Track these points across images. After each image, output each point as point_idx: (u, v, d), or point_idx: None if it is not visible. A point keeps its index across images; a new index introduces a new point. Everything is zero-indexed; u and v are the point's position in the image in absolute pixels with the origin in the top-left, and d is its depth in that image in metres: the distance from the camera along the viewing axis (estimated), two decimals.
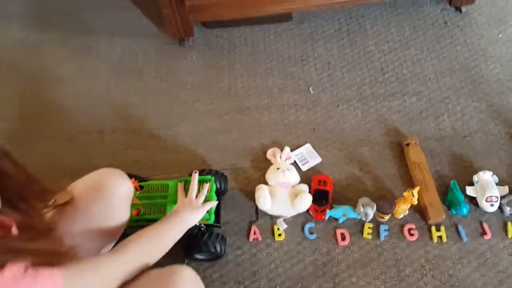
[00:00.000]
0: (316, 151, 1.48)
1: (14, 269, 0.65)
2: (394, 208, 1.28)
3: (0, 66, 1.78)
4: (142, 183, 1.29)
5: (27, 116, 1.65)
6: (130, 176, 1.39)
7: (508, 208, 1.30)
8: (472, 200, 1.34)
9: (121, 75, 1.71)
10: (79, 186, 1.02)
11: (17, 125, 1.63)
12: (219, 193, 1.37)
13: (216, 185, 1.32)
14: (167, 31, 1.70)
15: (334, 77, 1.63)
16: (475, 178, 1.35)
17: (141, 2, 1.90)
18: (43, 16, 1.92)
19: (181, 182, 1.24)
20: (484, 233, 1.29)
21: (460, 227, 1.31)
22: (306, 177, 1.43)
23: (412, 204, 1.28)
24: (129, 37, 1.79)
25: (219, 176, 1.37)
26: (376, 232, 1.32)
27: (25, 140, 1.59)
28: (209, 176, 1.29)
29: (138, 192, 1.26)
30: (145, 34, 1.80)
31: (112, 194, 1.02)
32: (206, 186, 1.22)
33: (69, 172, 1.47)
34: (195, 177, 1.21)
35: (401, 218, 1.33)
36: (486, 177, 1.34)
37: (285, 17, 1.75)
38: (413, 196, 1.25)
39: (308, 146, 1.49)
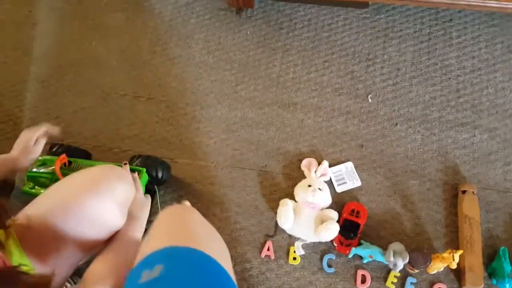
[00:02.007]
0: (357, 173, 1.31)
1: None
2: (428, 265, 1.12)
3: (44, 5, 1.69)
4: (72, 159, 1.25)
5: (67, 65, 1.57)
6: (72, 149, 1.36)
7: None
8: None
9: (169, 39, 1.57)
10: (74, 182, 0.92)
11: (55, 72, 1.56)
12: (158, 183, 1.30)
13: (153, 174, 1.26)
14: None
15: (400, 88, 1.41)
16: None
17: None
18: None
19: None
20: None
21: None
22: (339, 200, 1.28)
23: (449, 266, 1.12)
24: None
25: (158, 163, 1.28)
26: (401, 282, 1.18)
27: (61, 91, 1.53)
28: (140, 168, 1.22)
29: (65, 167, 1.23)
30: None
31: (106, 195, 0.92)
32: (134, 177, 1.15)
33: (98, 135, 1.45)
34: (125, 168, 1.14)
35: (433, 274, 1.18)
36: None
37: (360, 3, 1.51)
38: (454, 260, 1.09)
39: (349, 164, 1.32)
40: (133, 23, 1.61)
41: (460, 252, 1.09)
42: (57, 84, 1.54)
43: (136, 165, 1.26)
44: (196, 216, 0.78)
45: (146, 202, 1.17)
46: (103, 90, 1.52)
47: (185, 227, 0.71)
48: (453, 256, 1.08)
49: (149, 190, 1.27)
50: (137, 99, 1.49)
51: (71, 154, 1.28)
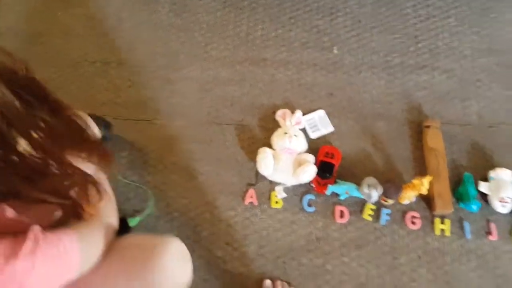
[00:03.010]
0: (329, 119, 1.38)
1: (35, 230, 0.66)
2: (400, 194, 1.21)
3: None
4: None
5: (33, 36, 1.55)
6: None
7: None
8: (484, 197, 1.26)
9: (134, 4, 1.58)
10: None
11: (21, 45, 1.54)
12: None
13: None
14: None
15: (362, 39, 1.49)
16: (491, 174, 1.26)
17: None
18: None
19: None
20: (489, 233, 1.22)
21: (465, 223, 1.24)
22: (314, 146, 1.35)
23: (420, 193, 1.21)
24: None
25: (98, 121, 1.23)
26: (377, 214, 1.26)
27: (30, 64, 1.51)
28: None
29: None
30: None
31: None
32: None
33: (72, 103, 1.44)
34: None
35: (406, 204, 1.27)
36: (503, 176, 1.25)
37: None
38: (423, 185, 1.18)
39: (321, 112, 1.39)
40: None
41: (428, 178, 1.18)
42: (25, 58, 1.52)
43: None
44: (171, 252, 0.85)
45: None
46: (73, 59, 1.52)
47: None
48: (422, 181, 1.17)
49: None
50: (107, 65, 1.50)
51: None
